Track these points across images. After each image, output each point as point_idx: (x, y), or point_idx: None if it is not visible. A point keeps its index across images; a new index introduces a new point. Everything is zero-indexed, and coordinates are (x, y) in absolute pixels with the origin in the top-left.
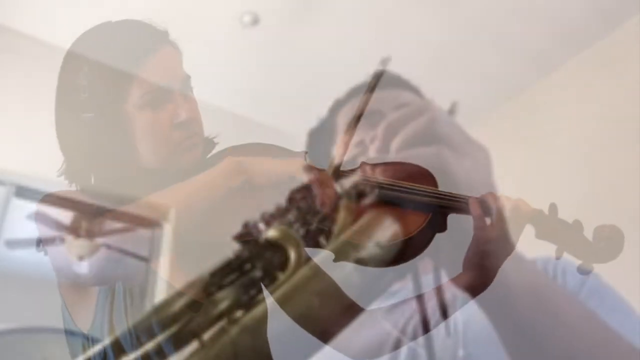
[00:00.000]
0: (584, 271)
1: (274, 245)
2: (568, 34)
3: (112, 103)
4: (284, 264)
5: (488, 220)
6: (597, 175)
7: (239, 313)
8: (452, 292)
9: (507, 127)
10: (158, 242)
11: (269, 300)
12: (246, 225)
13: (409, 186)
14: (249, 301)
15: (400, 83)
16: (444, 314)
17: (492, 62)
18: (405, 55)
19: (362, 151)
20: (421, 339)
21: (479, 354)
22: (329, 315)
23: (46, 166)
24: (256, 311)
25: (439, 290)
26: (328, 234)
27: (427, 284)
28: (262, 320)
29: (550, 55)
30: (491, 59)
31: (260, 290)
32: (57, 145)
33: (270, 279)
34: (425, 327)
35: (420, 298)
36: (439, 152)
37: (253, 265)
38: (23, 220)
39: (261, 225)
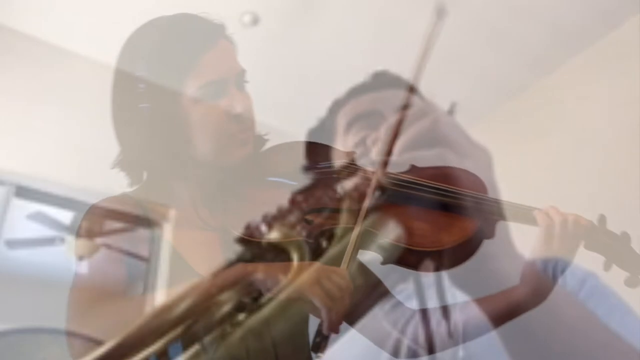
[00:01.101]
0: (632, 284)
1: (276, 248)
2: (568, 34)
3: (168, 95)
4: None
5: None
6: (597, 175)
7: (241, 316)
8: (452, 293)
9: (507, 127)
10: (158, 242)
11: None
12: (248, 227)
13: (463, 192)
14: (252, 304)
15: (400, 84)
16: (445, 314)
17: (492, 62)
18: (405, 56)
19: (364, 152)
20: (421, 340)
21: (479, 355)
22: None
23: (46, 166)
24: (261, 314)
25: (439, 291)
26: (330, 236)
27: (428, 284)
28: (267, 322)
29: (550, 55)
30: (491, 59)
31: (262, 293)
32: (114, 135)
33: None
34: (427, 327)
35: (421, 298)
36: (442, 154)
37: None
38: (23, 220)
39: (263, 227)
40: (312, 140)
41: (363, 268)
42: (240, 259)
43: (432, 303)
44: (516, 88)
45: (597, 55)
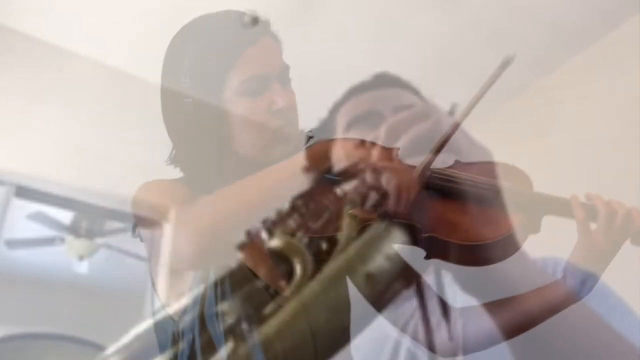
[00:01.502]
0: None
1: (278, 255)
2: (568, 34)
3: (211, 90)
4: (289, 273)
5: (593, 226)
6: (597, 175)
7: (244, 326)
8: (452, 291)
9: (507, 127)
10: (158, 242)
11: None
12: (249, 234)
13: (509, 188)
14: (256, 314)
15: (401, 84)
16: (445, 313)
17: (492, 62)
18: (405, 56)
19: None
20: (421, 338)
21: (478, 356)
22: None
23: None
24: (266, 327)
25: (439, 290)
26: (331, 241)
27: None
28: (277, 332)
29: (550, 55)
30: (491, 59)
31: (267, 303)
32: (167, 131)
33: (275, 290)
34: (427, 327)
35: (422, 297)
36: (444, 157)
37: (256, 276)
38: (23, 220)
39: (263, 234)
40: (312, 139)
41: (394, 251)
42: (240, 268)
43: (432, 302)
44: (516, 88)
45: (597, 55)
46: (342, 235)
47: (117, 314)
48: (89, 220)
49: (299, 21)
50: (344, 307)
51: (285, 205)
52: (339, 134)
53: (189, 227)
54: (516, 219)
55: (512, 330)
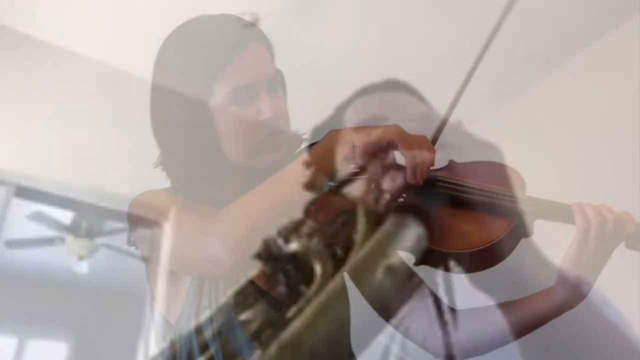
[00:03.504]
0: None
1: (296, 259)
2: (568, 34)
3: (197, 100)
4: (308, 278)
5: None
6: (597, 175)
7: (269, 331)
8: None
9: (507, 127)
10: (158, 242)
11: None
12: (266, 242)
13: (497, 191)
14: (279, 318)
15: (409, 90)
16: (440, 313)
17: (492, 62)
18: (406, 56)
19: None
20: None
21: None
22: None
23: (46, 166)
24: (293, 326)
25: (449, 290)
26: (346, 243)
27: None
28: (302, 335)
29: (550, 55)
30: (491, 59)
31: (288, 307)
32: (153, 135)
33: (295, 294)
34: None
35: (451, 298)
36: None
37: (277, 282)
38: (23, 220)
39: (280, 241)
40: (317, 137)
41: (400, 261)
42: (259, 276)
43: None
44: (516, 88)
45: (597, 55)
46: (358, 234)
47: (117, 314)
48: (89, 220)
49: (299, 21)
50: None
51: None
52: None
53: (225, 237)
54: (506, 223)
55: (504, 336)
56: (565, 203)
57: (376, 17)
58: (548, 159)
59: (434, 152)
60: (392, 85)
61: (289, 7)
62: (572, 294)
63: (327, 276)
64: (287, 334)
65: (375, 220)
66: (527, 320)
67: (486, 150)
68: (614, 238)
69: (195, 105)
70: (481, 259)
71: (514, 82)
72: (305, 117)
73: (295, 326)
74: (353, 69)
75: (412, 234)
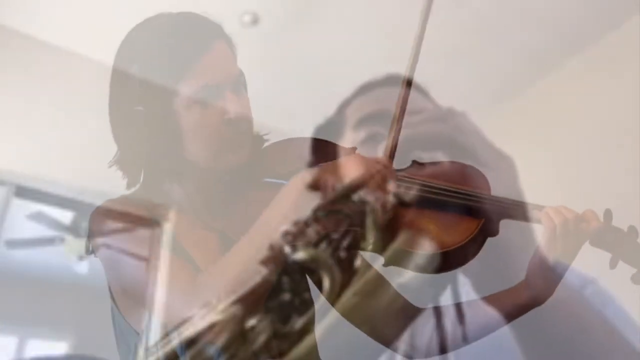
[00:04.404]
0: (638, 280)
1: (304, 267)
2: (568, 34)
3: (161, 98)
4: (317, 285)
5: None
6: (597, 175)
7: (276, 342)
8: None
9: (507, 127)
10: (158, 242)
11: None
12: (272, 248)
13: (464, 191)
14: (288, 330)
15: (409, 84)
16: (461, 318)
17: (492, 62)
18: (406, 55)
19: (373, 147)
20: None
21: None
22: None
23: (46, 166)
24: (303, 345)
25: (455, 297)
26: (353, 250)
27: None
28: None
29: (550, 55)
30: (491, 59)
31: (296, 317)
32: (111, 134)
33: (301, 302)
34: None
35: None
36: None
37: (282, 289)
38: (23, 220)
39: (286, 248)
40: (320, 135)
41: (394, 292)
42: (266, 281)
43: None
44: (516, 88)
45: (597, 55)
46: (366, 243)
47: None
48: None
49: (299, 21)
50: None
51: (304, 217)
52: (348, 130)
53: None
54: (474, 224)
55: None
56: (530, 203)
57: (376, 16)
58: (548, 159)
59: (393, 175)
60: (395, 81)
61: (289, 6)
62: (541, 290)
63: (336, 287)
64: (301, 349)
65: (385, 231)
66: (493, 317)
67: (499, 157)
68: (578, 235)
69: (159, 103)
70: (449, 260)
71: (514, 82)
72: (304, 117)
73: (307, 342)
74: (353, 67)
75: (424, 252)
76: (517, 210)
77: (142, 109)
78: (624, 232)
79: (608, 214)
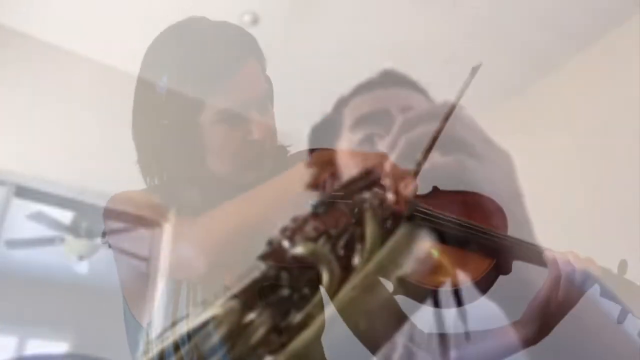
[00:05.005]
0: None
1: (303, 262)
2: (568, 34)
3: (188, 112)
4: (314, 281)
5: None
6: (597, 175)
7: (274, 336)
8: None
9: (507, 127)
10: (158, 242)
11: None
12: (271, 243)
13: (479, 228)
14: (285, 325)
15: (408, 83)
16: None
17: (492, 62)
18: (406, 55)
19: (370, 149)
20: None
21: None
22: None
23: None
24: (302, 337)
25: (438, 318)
26: (352, 245)
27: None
28: (309, 345)
29: (550, 55)
30: (491, 58)
31: (295, 312)
32: (131, 137)
33: (300, 297)
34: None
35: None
36: (460, 161)
37: (281, 285)
38: (23, 220)
39: (285, 243)
40: (316, 136)
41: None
42: (265, 276)
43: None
44: (516, 88)
45: (597, 55)
46: (367, 238)
47: (117, 314)
48: (89, 220)
49: (299, 21)
50: (383, 310)
51: (303, 212)
52: (346, 130)
53: (200, 241)
54: (487, 262)
55: None
56: (540, 247)
57: (376, 15)
58: (548, 159)
59: (415, 188)
60: (392, 80)
61: (289, 6)
62: (529, 335)
63: (335, 282)
64: (298, 343)
65: (384, 227)
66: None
67: (496, 151)
68: (582, 288)
69: (184, 116)
70: (462, 295)
71: (514, 82)
72: (304, 117)
73: (305, 336)
74: (353, 67)
75: (430, 287)
76: (532, 253)
77: (167, 122)
78: (636, 286)
79: (623, 264)
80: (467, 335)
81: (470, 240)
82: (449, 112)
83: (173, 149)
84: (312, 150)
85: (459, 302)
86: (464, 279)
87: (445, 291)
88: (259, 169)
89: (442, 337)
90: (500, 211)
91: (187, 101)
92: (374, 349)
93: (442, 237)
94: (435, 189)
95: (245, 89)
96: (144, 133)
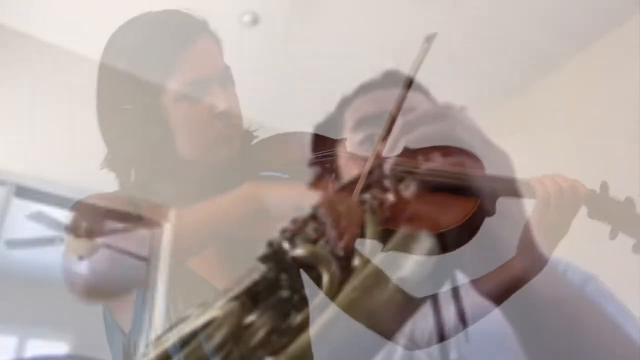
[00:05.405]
0: (639, 250)
1: (303, 264)
2: (568, 34)
3: (149, 95)
4: (316, 282)
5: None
6: (597, 175)
7: (275, 338)
8: (472, 299)
9: (507, 127)
10: (158, 243)
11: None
12: (271, 245)
13: (458, 172)
14: (286, 326)
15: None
16: (463, 321)
17: (492, 62)
18: (407, 55)
19: (370, 149)
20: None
21: (472, 357)
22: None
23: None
24: (300, 340)
25: (456, 297)
26: (351, 248)
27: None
28: (307, 348)
29: (550, 55)
30: (491, 59)
31: (295, 313)
32: (100, 136)
33: (300, 298)
34: (441, 335)
35: (436, 304)
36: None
37: (280, 286)
38: (23, 220)
39: (285, 245)
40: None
41: (395, 286)
42: (265, 277)
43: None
44: (516, 88)
45: (597, 55)
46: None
47: None
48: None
49: (299, 21)
50: (381, 312)
51: (303, 214)
52: (347, 131)
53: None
54: (471, 203)
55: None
56: (524, 178)
57: (376, 15)
58: (548, 159)
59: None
60: (394, 81)
61: (289, 6)
62: (531, 265)
63: (335, 283)
64: (296, 346)
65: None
66: (491, 295)
67: (496, 153)
68: (571, 205)
69: (146, 100)
70: (446, 242)
71: (514, 82)
72: (304, 116)
73: (304, 338)
74: (353, 67)
75: (423, 246)
76: (512, 186)
77: (130, 107)
78: (621, 203)
79: (604, 186)
80: (467, 335)
81: (449, 185)
82: (408, 83)
83: (140, 137)
84: (313, 150)
85: (459, 303)
86: (453, 220)
87: (445, 291)
88: (230, 143)
89: (442, 338)
90: (475, 157)
91: (146, 84)
92: (387, 337)
93: (424, 187)
94: (406, 147)
95: (201, 63)
96: (111, 126)
